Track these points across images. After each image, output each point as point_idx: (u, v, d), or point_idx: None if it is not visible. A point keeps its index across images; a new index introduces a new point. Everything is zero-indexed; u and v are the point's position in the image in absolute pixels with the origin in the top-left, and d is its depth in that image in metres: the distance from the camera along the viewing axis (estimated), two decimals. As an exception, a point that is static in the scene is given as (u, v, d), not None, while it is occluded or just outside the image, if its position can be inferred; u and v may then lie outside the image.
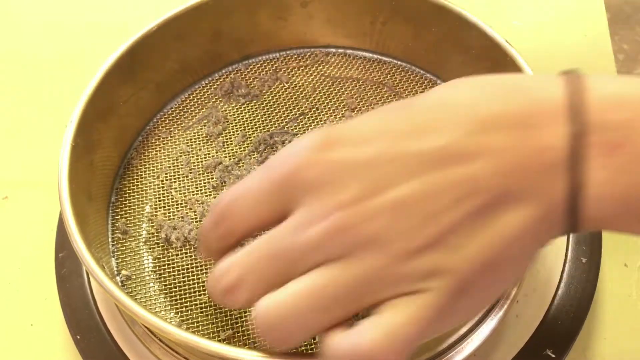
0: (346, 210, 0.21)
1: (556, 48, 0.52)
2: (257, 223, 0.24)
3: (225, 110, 0.44)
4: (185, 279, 0.36)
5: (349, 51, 0.47)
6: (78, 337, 0.36)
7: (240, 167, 0.41)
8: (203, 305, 0.35)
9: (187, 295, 0.35)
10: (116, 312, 0.37)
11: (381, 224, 0.21)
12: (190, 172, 0.41)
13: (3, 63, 0.55)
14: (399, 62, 0.46)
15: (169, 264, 0.37)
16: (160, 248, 0.37)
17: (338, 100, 0.44)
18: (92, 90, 0.37)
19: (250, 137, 0.42)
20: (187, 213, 0.39)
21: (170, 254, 0.37)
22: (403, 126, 0.22)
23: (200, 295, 0.35)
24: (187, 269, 0.36)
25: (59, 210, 0.42)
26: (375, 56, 0.47)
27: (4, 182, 0.46)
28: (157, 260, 0.37)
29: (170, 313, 0.35)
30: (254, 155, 0.41)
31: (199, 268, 0.36)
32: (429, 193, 0.21)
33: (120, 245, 0.38)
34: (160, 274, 0.36)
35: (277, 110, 0.44)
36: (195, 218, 0.38)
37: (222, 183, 0.40)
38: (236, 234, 0.25)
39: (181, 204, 0.39)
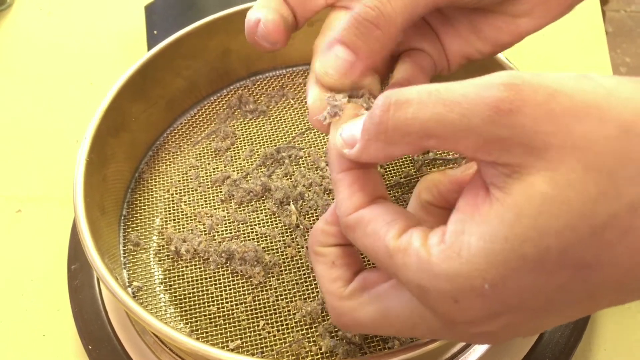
0: None
1: (555, 64, 0.53)
2: None
3: (234, 126, 0.45)
4: (195, 290, 0.37)
5: (353, 68, 0.48)
6: (90, 347, 0.37)
7: (247, 181, 0.42)
8: (212, 315, 0.36)
9: (197, 306, 0.36)
10: (127, 322, 0.38)
11: None
12: (200, 186, 0.42)
13: (17, 80, 0.57)
14: (402, 79, 0.47)
15: (178, 276, 0.38)
16: (171, 260, 0.38)
17: (343, 116, 0.45)
18: (105, 107, 0.38)
19: (257, 152, 0.44)
20: (196, 226, 0.40)
21: (180, 266, 0.38)
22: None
23: (209, 306, 0.36)
24: (197, 280, 0.37)
25: (71, 223, 0.43)
26: (379, 72, 0.48)
27: (17, 196, 0.48)
28: (167, 272, 0.38)
29: (180, 323, 0.36)
30: (261, 169, 0.43)
31: (208, 280, 0.37)
32: None
33: (131, 257, 0.39)
34: (170, 285, 0.37)
35: (283, 126, 0.45)
36: (205, 231, 0.39)
37: (230, 197, 0.41)
38: None
39: (190, 217, 0.40)
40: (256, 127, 0.45)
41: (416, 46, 0.31)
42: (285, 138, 0.44)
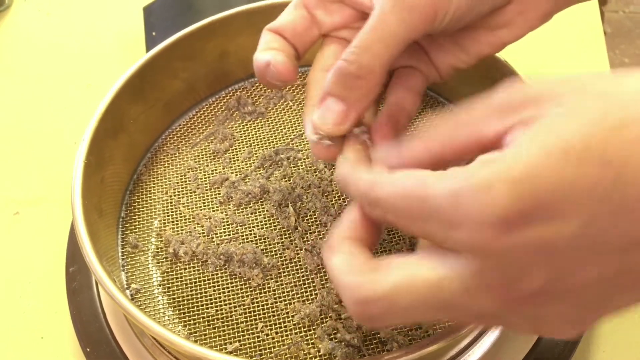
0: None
1: (554, 66, 0.54)
2: None
3: (232, 127, 0.45)
4: (193, 292, 0.37)
5: (352, 69, 0.48)
6: (88, 349, 0.37)
7: (246, 183, 0.42)
8: (210, 318, 0.36)
9: (195, 308, 0.36)
10: (125, 324, 0.37)
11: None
12: (198, 188, 0.42)
13: (15, 81, 0.56)
14: (400, 80, 0.47)
15: (177, 278, 0.38)
16: (169, 262, 0.38)
17: (341, 118, 0.45)
18: (103, 109, 0.38)
19: (256, 154, 0.44)
20: (194, 228, 0.40)
21: (178, 268, 0.38)
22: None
23: (207, 308, 0.36)
24: (195, 282, 0.37)
25: (69, 226, 0.43)
26: (378, 74, 0.48)
27: (15, 198, 0.47)
28: (165, 274, 0.38)
29: (178, 326, 0.36)
30: (259, 171, 0.42)
31: (206, 282, 0.37)
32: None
33: (129, 259, 0.39)
34: (168, 288, 0.37)
35: (282, 127, 0.45)
36: (203, 233, 0.39)
37: (228, 198, 0.41)
38: None
39: (189, 218, 0.40)
40: (254, 129, 0.45)
41: (406, 64, 0.33)
42: (283, 140, 0.44)
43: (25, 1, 0.63)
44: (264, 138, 0.45)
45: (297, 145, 0.44)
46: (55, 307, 0.41)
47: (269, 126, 0.45)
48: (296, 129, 0.45)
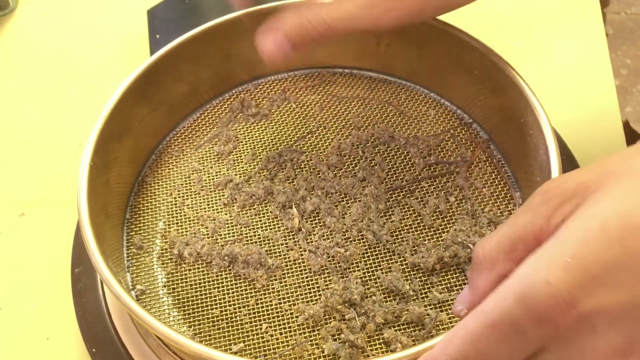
0: None
1: (556, 67, 0.54)
2: None
3: (236, 129, 0.46)
4: (198, 293, 0.37)
5: (355, 71, 0.49)
6: (93, 350, 0.37)
7: (250, 184, 0.42)
8: (215, 319, 0.36)
9: (200, 309, 0.36)
10: (131, 325, 0.38)
11: None
12: (202, 190, 0.42)
13: (20, 84, 0.57)
14: (403, 82, 0.47)
15: (182, 279, 0.38)
16: (174, 263, 0.39)
17: (345, 119, 0.46)
18: (109, 111, 0.39)
19: (259, 155, 0.44)
20: (199, 229, 0.40)
21: (183, 269, 0.38)
22: None
23: (212, 309, 0.36)
24: (200, 283, 0.38)
25: (74, 227, 0.43)
26: (381, 76, 0.48)
27: (20, 199, 0.48)
28: (170, 275, 0.38)
29: (183, 326, 0.36)
30: (263, 172, 0.43)
31: (211, 283, 0.37)
32: None
33: (135, 260, 0.39)
34: (173, 289, 0.38)
35: (285, 129, 0.45)
36: (207, 234, 0.40)
37: (232, 200, 0.41)
38: None
39: (193, 220, 0.41)
40: (258, 130, 0.46)
41: None
42: (287, 142, 0.45)
43: (30, 4, 0.64)
44: (267, 140, 0.45)
45: (300, 147, 0.44)
46: (60, 308, 0.41)
47: (272, 128, 0.46)
48: (299, 131, 0.45)
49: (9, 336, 0.41)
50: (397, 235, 0.39)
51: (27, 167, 0.50)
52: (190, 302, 0.37)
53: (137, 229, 0.40)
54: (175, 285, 0.38)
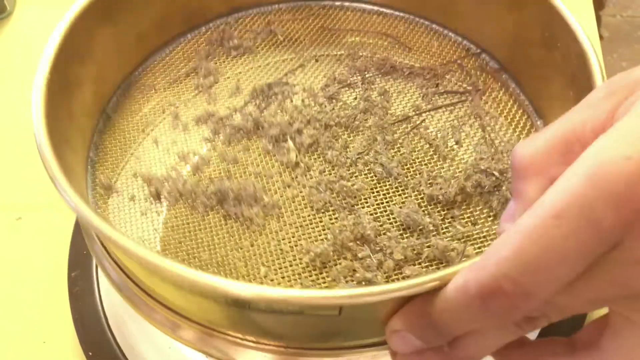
0: None
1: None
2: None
3: (216, 62, 0.40)
4: (180, 236, 0.31)
5: (346, 3, 0.44)
6: (90, 353, 0.36)
7: (235, 118, 0.36)
8: (203, 263, 0.30)
9: (183, 253, 0.31)
10: (128, 329, 0.36)
11: None
12: (180, 124, 0.36)
13: (17, 87, 0.53)
14: (401, 14, 0.43)
15: (160, 222, 0.32)
16: (150, 204, 0.33)
17: (339, 52, 0.41)
18: (68, 24, 0.32)
19: (245, 89, 0.38)
20: (178, 168, 0.34)
21: (161, 210, 0.32)
22: None
23: (199, 252, 0.31)
24: (181, 226, 0.32)
25: (71, 231, 0.41)
26: (376, 8, 0.43)
27: (17, 203, 0.45)
28: (146, 217, 0.32)
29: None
30: (250, 105, 0.37)
31: (196, 224, 0.32)
32: None
33: (102, 202, 0.33)
34: (151, 233, 0.32)
35: (273, 62, 0.40)
36: (189, 172, 0.34)
37: (216, 135, 0.36)
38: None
39: (172, 156, 0.35)
40: (242, 64, 0.40)
41: None
42: (276, 75, 0.39)
43: (28, 8, 0.60)
44: (253, 73, 0.39)
45: (291, 80, 0.39)
46: (57, 311, 0.39)
47: (257, 62, 0.40)
48: (289, 64, 0.40)
49: (5, 340, 0.39)
50: (408, 168, 0.34)
51: (24, 171, 0.47)
52: (172, 246, 0.31)
53: (104, 168, 0.34)
54: (153, 230, 0.32)
